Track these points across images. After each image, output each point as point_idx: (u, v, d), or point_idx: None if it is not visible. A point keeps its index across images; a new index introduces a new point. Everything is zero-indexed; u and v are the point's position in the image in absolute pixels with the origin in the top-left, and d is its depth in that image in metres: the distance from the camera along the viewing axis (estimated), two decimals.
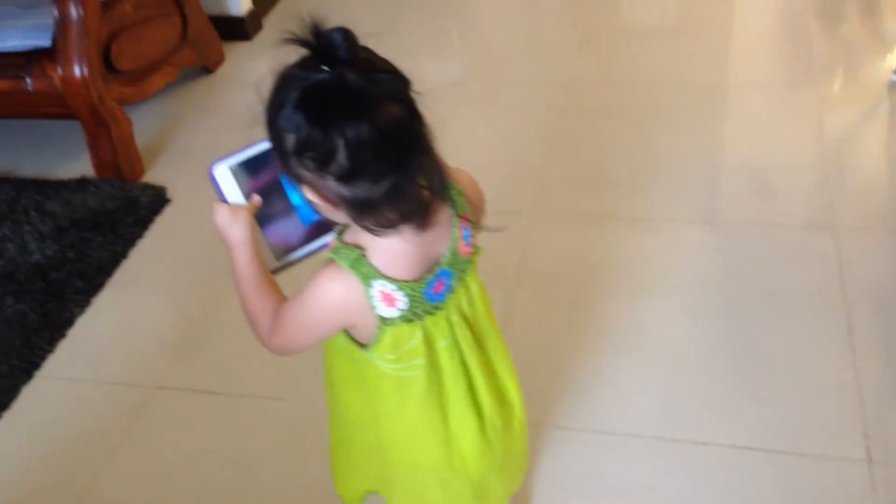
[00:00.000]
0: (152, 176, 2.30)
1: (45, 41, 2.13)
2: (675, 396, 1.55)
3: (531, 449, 1.46)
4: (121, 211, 2.14)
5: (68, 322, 1.85)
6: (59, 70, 2.12)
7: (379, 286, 0.88)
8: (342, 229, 0.92)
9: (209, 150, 2.35)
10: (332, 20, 0.78)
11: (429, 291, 0.91)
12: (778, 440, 1.45)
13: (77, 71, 2.11)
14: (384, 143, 0.78)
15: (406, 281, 0.89)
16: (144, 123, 2.47)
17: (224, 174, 0.94)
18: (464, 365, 0.98)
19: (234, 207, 0.95)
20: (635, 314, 1.72)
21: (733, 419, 1.50)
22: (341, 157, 0.78)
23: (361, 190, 0.81)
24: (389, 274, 0.88)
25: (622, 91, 2.46)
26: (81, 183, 2.24)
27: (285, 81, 0.80)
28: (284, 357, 1.00)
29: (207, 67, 2.73)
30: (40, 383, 1.72)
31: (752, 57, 2.57)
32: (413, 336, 0.92)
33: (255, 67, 2.79)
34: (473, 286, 0.97)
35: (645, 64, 2.56)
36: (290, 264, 0.99)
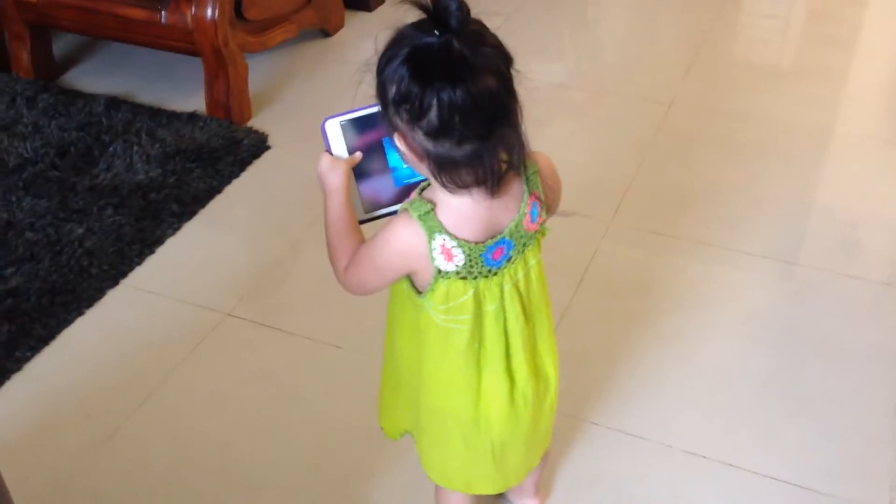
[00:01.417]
0: (257, 122, 2.43)
1: None
2: (714, 416, 1.57)
3: (564, 439, 1.52)
4: (223, 149, 2.27)
5: (159, 240, 1.99)
6: (193, 9, 2.26)
7: (441, 240, 0.95)
8: (424, 186, 1.00)
9: (314, 108, 2.51)
10: None
11: (487, 255, 0.97)
12: (806, 477, 1.46)
13: (209, 12, 2.25)
14: (474, 111, 0.86)
15: (467, 241, 0.96)
16: (259, 73, 2.61)
17: (334, 128, 1.04)
18: (506, 332, 1.04)
19: (336, 158, 1.04)
20: (692, 334, 1.74)
21: (767, 449, 1.51)
22: (433, 114, 0.86)
23: (445, 149, 0.89)
24: (453, 231, 0.95)
25: (722, 120, 2.45)
26: (193, 117, 2.39)
27: (399, 38, 0.89)
28: (355, 297, 1.09)
29: (326, 31, 2.85)
30: (124, 290, 1.86)
31: (865, 109, 2.52)
32: (464, 293, 0.99)
33: (372, 38, 2.89)
34: (532, 262, 1.03)
35: (750, 98, 2.55)
36: (376, 218, 1.08)
